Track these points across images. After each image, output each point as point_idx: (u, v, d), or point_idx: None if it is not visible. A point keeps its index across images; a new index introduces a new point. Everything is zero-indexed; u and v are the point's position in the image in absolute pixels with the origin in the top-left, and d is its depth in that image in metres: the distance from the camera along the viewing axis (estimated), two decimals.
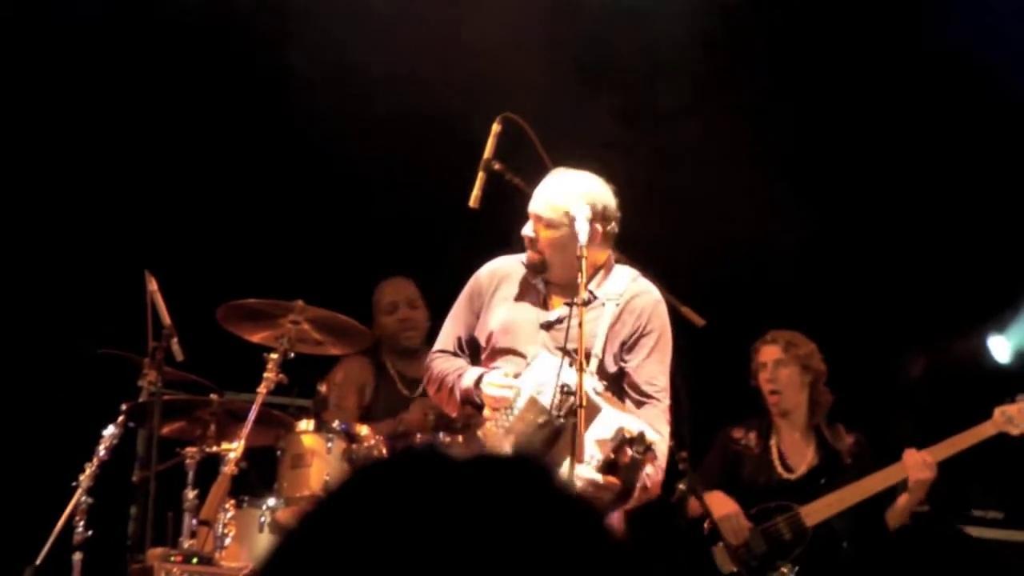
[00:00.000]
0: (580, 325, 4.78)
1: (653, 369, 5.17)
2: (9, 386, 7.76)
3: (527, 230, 5.14)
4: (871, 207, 8.19)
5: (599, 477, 4.83)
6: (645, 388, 5.11)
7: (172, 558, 6.21)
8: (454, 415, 5.40)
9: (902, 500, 6.51)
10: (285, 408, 7.00)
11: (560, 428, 4.79)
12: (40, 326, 7.83)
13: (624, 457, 4.89)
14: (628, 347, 5.15)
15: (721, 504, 6.59)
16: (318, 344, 6.74)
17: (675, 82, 7.89)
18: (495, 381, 4.99)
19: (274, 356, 6.51)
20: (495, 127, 5.38)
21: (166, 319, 6.44)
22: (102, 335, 6.91)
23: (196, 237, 7.92)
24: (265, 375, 6.47)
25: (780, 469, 6.67)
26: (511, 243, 5.49)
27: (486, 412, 4.98)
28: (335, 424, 6.67)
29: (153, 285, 6.47)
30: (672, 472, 6.26)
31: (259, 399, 6.40)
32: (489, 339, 5.19)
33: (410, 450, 1.66)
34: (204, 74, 7.91)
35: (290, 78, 7.93)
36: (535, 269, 5.18)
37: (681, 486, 6.32)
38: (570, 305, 5.01)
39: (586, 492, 4.80)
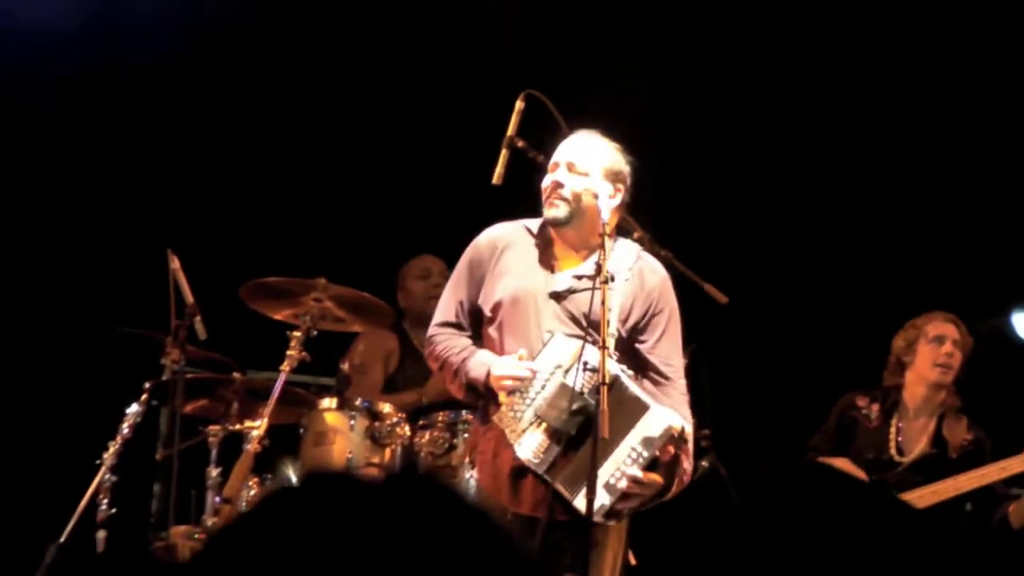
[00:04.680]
0: (603, 303, 4.72)
1: (668, 349, 5.10)
2: (33, 365, 7.78)
3: (558, 176, 4.97)
4: (885, 183, 8.16)
5: (640, 474, 4.81)
6: (663, 369, 5.04)
7: (195, 536, 6.24)
8: (460, 397, 5.15)
9: None
10: (308, 386, 7.00)
11: (594, 413, 4.63)
12: (63, 305, 7.85)
13: (667, 455, 4.87)
14: (642, 327, 5.04)
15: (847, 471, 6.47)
16: (341, 322, 6.74)
17: None
18: (508, 366, 4.84)
19: (297, 334, 6.52)
20: (518, 104, 5.35)
21: (189, 297, 6.44)
22: (125, 314, 6.92)
23: (218, 215, 7.93)
24: (288, 353, 6.48)
25: (893, 450, 6.51)
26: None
27: (501, 397, 4.84)
28: (358, 402, 6.68)
29: (176, 263, 6.47)
30: (695, 450, 6.27)
31: (282, 377, 6.42)
32: (497, 310, 4.98)
33: (320, 476, 1.71)
34: (227, 53, 7.90)
35: (311, 57, 7.95)
36: (558, 222, 5.00)
37: (704, 463, 6.31)
38: (579, 278, 4.97)
39: (630, 490, 4.79)
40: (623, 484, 4.76)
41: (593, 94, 7.36)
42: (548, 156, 5.20)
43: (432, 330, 5.14)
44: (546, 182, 5.02)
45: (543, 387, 4.79)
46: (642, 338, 5.04)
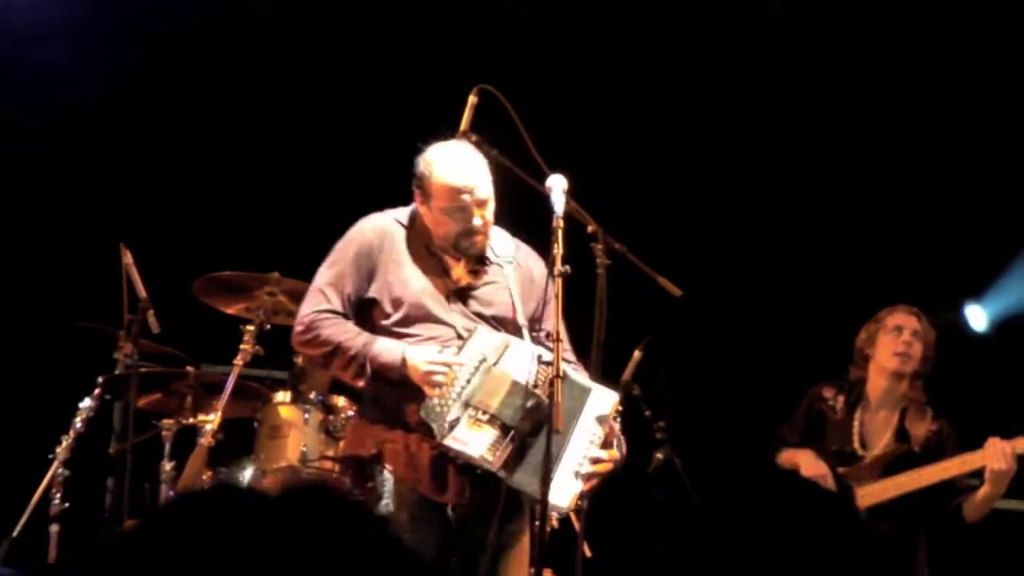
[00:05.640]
0: (558, 296, 4.71)
1: (564, 334, 5.16)
2: None
3: (481, 219, 4.95)
4: (842, 173, 8.19)
5: (604, 454, 4.84)
6: (566, 355, 5.04)
7: None
8: (352, 382, 4.97)
9: (981, 492, 6.24)
10: (262, 380, 6.99)
11: (547, 408, 4.63)
12: (16, 299, 7.80)
13: (612, 430, 4.90)
14: (538, 315, 5.09)
15: (811, 464, 6.50)
16: (294, 316, 6.71)
17: None
18: (434, 358, 4.78)
19: (250, 328, 6.52)
20: (471, 99, 5.34)
21: (142, 292, 6.42)
22: (78, 308, 6.89)
23: (171, 210, 7.90)
24: (241, 347, 6.47)
25: (856, 443, 6.54)
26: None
27: (427, 391, 4.74)
28: (312, 395, 6.68)
29: (128, 258, 6.45)
30: (650, 442, 6.29)
31: (236, 371, 6.41)
32: (399, 305, 4.91)
33: (225, 486, 1.74)
34: (180, 50, 7.88)
35: (265, 54, 7.93)
36: (476, 254, 5.02)
37: (659, 455, 6.32)
38: (474, 272, 5.00)
39: (596, 471, 4.82)
40: (587, 468, 4.79)
41: (546, 89, 7.39)
42: (502, 150, 5.20)
43: (312, 315, 4.95)
44: (465, 223, 4.94)
45: (468, 380, 4.75)
46: (540, 326, 5.09)
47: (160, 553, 1.59)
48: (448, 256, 5.03)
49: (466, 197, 4.94)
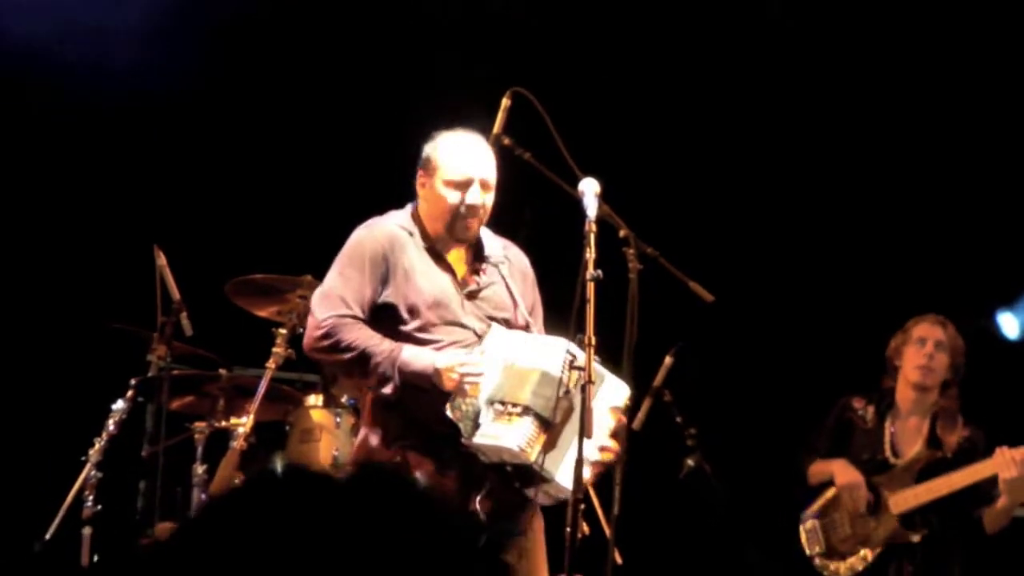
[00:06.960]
0: (590, 301, 4.70)
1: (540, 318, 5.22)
2: (19, 361, 7.76)
3: (480, 198, 4.95)
4: (872, 179, 8.16)
5: (612, 443, 4.84)
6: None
7: None
8: (373, 387, 4.85)
9: (999, 503, 6.24)
10: (294, 383, 7.00)
11: (572, 402, 4.69)
12: (50, 301, 7.83)
13: (621, 424, 4.91)
14: (531, 310, 5.11)
15: (845, 472, 6.50)
16: None
17: None
18: (467, 361, 4.77)
19: (283, 331, 6.53)
20: (504, 101, 5.34)
21: (175, 294, 6.44)
22: (112, 310, 6.91)
23: (205, 212, 7.91)
24: (274, 350, 6.49)
25: (888, 451, 6.53)
26: (519, 217, 5.45)
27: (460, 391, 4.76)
28: (344, 399, 6.68)
29: (162, 260, 6.47)
30: (681, 448, 6.27)
31: (268, 374, 6.42)
32: (416, 311, 4.88)
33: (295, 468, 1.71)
34: (213, 52, 7.90)
35: (296, 56, 7.94)
36: (468, 239, 5.02)
37: (690, 462, 6.31)
38: (476, 272, 5.02)
39: (604, 460, 4.82)
40: (596, 456, 4.80)
41: (575, 90, 7.39)
42: (534, 153, 5.21)
43: (332, 320, 4.86)
44: (464, 199, 4.94)
45: (492, 379, 4.76)
46: (532, 319, 5.10)
47: (230, 537, 1.58)
48: (447, 248, 5.03)
49: (471, 171, 4.97)
